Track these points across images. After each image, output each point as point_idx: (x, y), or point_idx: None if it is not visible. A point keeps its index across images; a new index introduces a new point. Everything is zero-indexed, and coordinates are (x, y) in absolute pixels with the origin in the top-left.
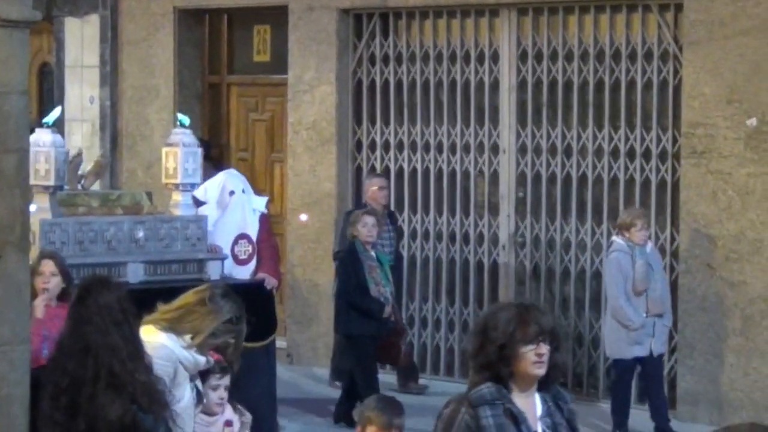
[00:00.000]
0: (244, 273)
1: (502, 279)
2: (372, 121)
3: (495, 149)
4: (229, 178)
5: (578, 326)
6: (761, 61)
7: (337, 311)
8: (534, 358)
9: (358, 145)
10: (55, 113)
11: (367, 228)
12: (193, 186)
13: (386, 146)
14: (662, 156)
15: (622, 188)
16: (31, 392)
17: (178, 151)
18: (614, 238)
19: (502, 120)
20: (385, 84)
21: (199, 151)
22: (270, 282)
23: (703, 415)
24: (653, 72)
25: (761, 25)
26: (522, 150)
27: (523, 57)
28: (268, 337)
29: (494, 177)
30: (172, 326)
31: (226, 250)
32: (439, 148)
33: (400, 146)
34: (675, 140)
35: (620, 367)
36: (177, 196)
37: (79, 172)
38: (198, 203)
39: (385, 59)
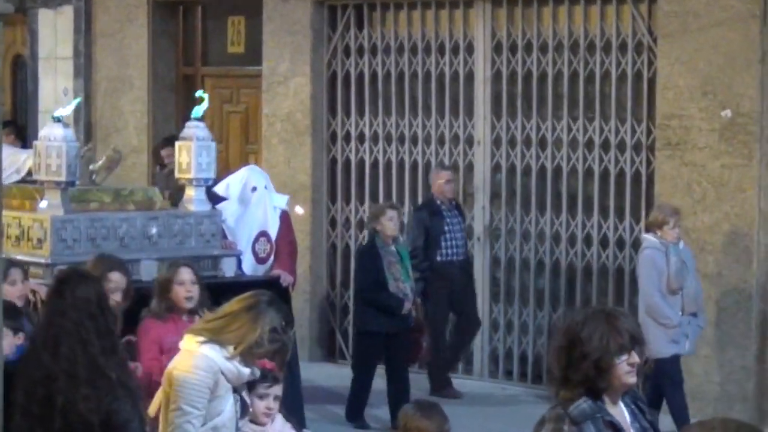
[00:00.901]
0: (263, 271)
1: (477, 271)
2: (347, 112)
3: (470, 141)
4: (251, 174)
5: (552, 319)
6: (735, 53)
7: (355, 307)
8: (627, 368)
9: (333, 137)
10: (71, 106)
11: (393, 222)
12: (207, 181)
13: (361, 138)
14: (637, 148)
15: (597, 180)
16: (5, 385)
17: (192, 145)
18: (645, 235)
19: (477, 112)
20: (360, 75)
21: (213, 145)
22: (286, 279)
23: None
24: (628, 63)
25: (735, 16)
26: (497, 142)
27: (497, 48)
28: None
29: (469, 169)
30: (215, 336)
31: (247, 248)
32: (414, 140)
33: (374, 138)
34: (649, 132)
35: (663, 366)
36: (191, 192)
37: (91, 167)
38: (219, 199)
39: (360, 51)
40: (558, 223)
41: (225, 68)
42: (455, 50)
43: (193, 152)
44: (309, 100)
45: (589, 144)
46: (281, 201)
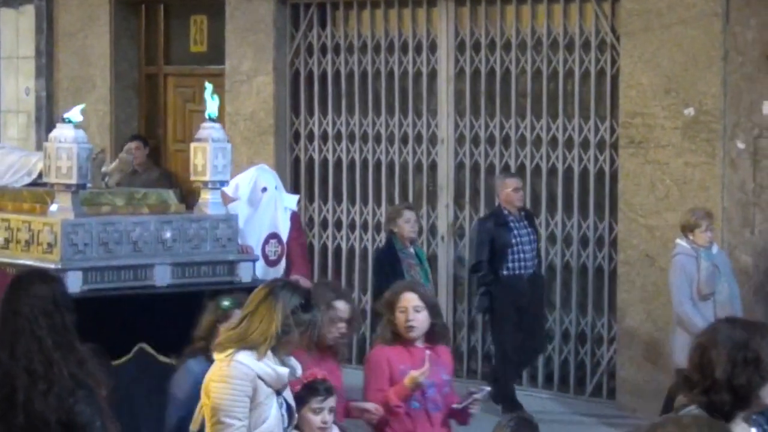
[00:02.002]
0: (274, 274)
1: (441, 269)
2: (310, 111)
3: (433, 139)
4: (261, 174)
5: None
6: (698, 51)
7: (375, 311)
8: None
9: (296, 136)
10: (77, 109)
11: (410, 224)
12: (223, 184)
13: (324, 137)
14: (600, 146)
15: (561, 178)
16: None
17: (207, 147)
18: (678, 240)
19: (440, 110)
20: (323, 74)
21: (229, 146)
22: (304, 284)
23: (642, 404)
24: (591, 62)
25: (698, 15)
26: (460, 140)
27: (461, 47)
28: None
29: (432, 167)
30: (243, 343)
31: (257, 250)
32: (377, 139)
33: (338, 137)
34: (613, 130)
35: None
36: (206, 194)
37: (103, 169)
38: (227, 200)
39: (323, 49)
40: None
41: (187, 67)
42: (418, 49)
43: (208, 154)
44: (272, 99)
45: (553, 142)
46: (291, 201)
